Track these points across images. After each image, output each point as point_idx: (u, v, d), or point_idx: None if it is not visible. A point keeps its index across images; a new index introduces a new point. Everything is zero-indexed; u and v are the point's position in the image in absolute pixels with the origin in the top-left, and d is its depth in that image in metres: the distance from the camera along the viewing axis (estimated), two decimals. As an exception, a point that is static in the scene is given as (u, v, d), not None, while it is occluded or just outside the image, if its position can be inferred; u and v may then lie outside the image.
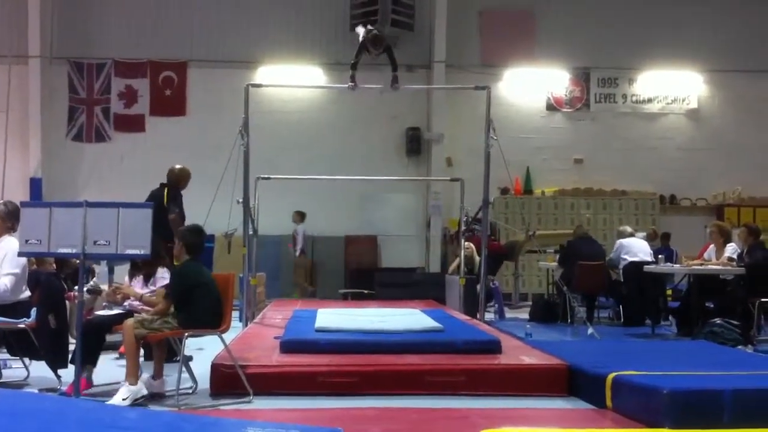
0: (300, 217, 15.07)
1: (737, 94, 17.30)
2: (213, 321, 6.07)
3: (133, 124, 16.66)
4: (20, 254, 6.08)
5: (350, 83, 9.49)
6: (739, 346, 8.41)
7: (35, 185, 16.03)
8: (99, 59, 16.57)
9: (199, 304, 6.01)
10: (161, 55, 16.70)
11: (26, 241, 5.74)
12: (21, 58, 16.20)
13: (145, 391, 5.80)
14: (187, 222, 8.38)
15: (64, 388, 6.06)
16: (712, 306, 9.78)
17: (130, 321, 5.89)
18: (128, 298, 6.63)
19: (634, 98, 17.46)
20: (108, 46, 16.60)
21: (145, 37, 16.67)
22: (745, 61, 17.05)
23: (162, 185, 8.39)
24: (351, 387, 6.08)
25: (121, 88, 16.65)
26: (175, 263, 6.65)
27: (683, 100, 17.50)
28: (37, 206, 6.57)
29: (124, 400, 5.59)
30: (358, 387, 6.09)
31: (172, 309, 6.05)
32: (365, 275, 14.99)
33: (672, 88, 17.44)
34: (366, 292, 14.09)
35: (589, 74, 17.38)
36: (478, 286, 10.41)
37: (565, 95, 17.39)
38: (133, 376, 5.76)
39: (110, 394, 5.82)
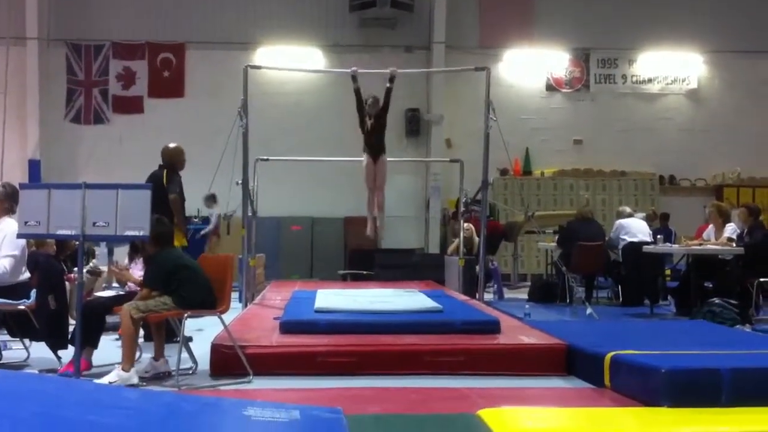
0: (214, 200, 13.82)
1: (737, 75, 17.25)
2: (205, 300, 6.08)
3: (131, 106, 16.63)
4: (19, 236, 6.08)
5: (353, 68, 9.56)
6: (738, 326, 8.44)
7: (34, 167, 16.02)
8: (97, 41, 16.51)
9: (186, 286, 6.00)
10: (159, 36, 16.63)
11: (25, 222, 5.73)
12: (19, 39, 16.14)
13: (135, 380, 5.72)
14: (187, 204, 8.41)
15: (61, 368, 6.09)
16: (710, 286, 9.79)
17: (126, 307, 5.84)
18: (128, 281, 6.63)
19: (634, 79, 17.41)
20: (106, 28, 16.53)
21: (143, 18, 16.60)
22: (746, 42, 16.98)
23: (161, 166, 8.36)
24: (350, 367, 6.10)
25: (119, 69, 16.61)
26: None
27: (683, 81, 17.45)
28: (35, 188, 6.55)
29: (111, 383, 5.52)
30: (358, 367, 6.11)
31: (154, 293, 6.04)
32: (364, 256, 14.96)
33: (672, 68, 17.39)
34: (365, 273, 14.08)
35: (589, 55, 17.31)
36: (477, 267, 10.42)
37: (565, 76, 17.34)
38: (127, 362, 5.73)
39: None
